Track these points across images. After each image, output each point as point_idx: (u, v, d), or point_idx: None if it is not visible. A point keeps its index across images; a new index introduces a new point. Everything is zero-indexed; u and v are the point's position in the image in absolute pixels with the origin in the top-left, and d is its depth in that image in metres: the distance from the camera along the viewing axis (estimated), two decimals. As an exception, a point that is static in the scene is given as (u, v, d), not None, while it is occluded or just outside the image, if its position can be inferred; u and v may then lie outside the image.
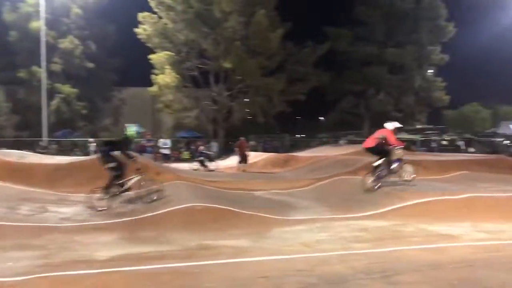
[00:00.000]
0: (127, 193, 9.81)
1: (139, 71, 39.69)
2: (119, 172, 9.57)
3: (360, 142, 32.86)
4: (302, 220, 8.53)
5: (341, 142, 36.57)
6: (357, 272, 5.22)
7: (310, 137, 47.36)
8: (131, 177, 9.82)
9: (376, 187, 10.53)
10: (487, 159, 19.24)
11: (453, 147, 34.20)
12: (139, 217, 8.41)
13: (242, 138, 22.24)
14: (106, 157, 9.67)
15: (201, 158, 21.72)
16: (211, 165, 21.44)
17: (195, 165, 21.82)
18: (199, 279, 5.11)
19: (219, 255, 6.15)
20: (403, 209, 8.80)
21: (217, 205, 8.76)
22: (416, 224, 7.97)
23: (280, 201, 10.60)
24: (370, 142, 11.01)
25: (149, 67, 35.26)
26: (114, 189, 9.54)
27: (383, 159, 10.71)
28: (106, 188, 9.44)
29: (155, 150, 26.99)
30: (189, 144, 33.48)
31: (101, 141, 11.32)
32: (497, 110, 52.39)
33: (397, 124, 11.02)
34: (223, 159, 26.19)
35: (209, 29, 33.69)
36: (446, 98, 42.63)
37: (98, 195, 9.39)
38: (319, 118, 55.95)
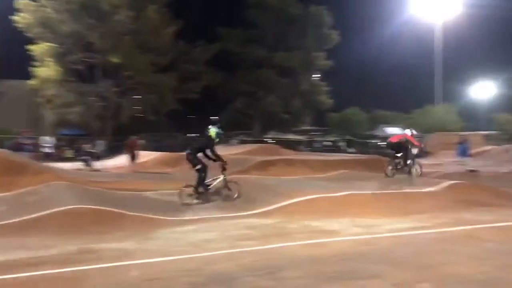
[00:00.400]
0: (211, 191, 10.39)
1: (17, 63, 36.48)
2: (203, 173, 10.22)
3: (251, 142, 33.85)
4: (190, 220, 8.48)
5: (233, 141, 37.04)
6: (243, 270, 5.30)
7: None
8: (217, 177, 10.48)
9: (393, 175, 13.80)
10: (365, 159, 20.82)
11: (335, 148, 36.44)
12: (16, 220, 7.73)
13: (133, 137, 21.53)
14: (194, 159, 10.30)
15: (86, 157, 20.62)
16: (97, 164, 20.45)
17: (79, 164, 20.65)
18: (80, 285, 4.83)
19: (101, 259, 5.86)
20: (289, 207, 9.14)
21: (100, 207, 8.36)
22: (300, 221, 8.32)
23: (169, 202, 10.41)
24: (395, 139, 14.54)
25: (29, 59, 32.63)
26: (201, 189, 10.19)
27: (401, 154, 13.80)
28: (196, 188, 10.15)
29: (35, 148, 25.01)
30: (73, 142, 31.55)
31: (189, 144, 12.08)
32: (374, 114, 56.87)
33: (414, 131, 14.50)
34: (110, 158, 25.07)
35: (96, 21, 32.04)
36: (330, 101, 45.26)
37: (188, 191, 10.10)
38: (212, 117, 56.00)
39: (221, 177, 10.46)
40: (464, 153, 19.62)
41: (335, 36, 43.18)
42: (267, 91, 42.86)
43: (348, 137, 40.06)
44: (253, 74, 41.76)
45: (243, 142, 35.59)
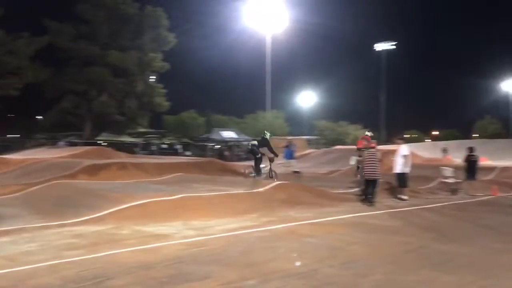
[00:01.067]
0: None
1: None
2: (260, 160, 15.17)
3: (82, 144, 31.89)
4: (6, 231, 7.58)
5: (61, 143, 34.46)
6: (67, 282, 4.94)
7: (25, 138, 42.95)
8: (266, 165, 15.52)
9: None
10: (201, 161, 21.18)
11: (172, 151, 36.39)
12: None
13: None
14: (256, 150, 15.19)
15: None
16: None
17: None
18: None
19: None
20: (120, 212, 8.79)
21: None
22: (132, 226, 8.07)
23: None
24: (361, 144, 15.23)
25: None
26: (257, 170, 15.14)
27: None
28: (255, 169, 15.26)
29: None
30: None
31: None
32: (210, 118, 58.34)
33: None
34: None
35: None
36: (167, 104, 45.06)
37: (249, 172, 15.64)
38: (37, 117, 51.31)
39: (269, 166, 15.52)
40: (290, 155, 21.23)
41: (172, 39, 43.15)
42: (99, 90, 40.86)
43: (184, 140, 40.34)
44: (84, 73, 39.49)
45: (73, 144, 33.29)
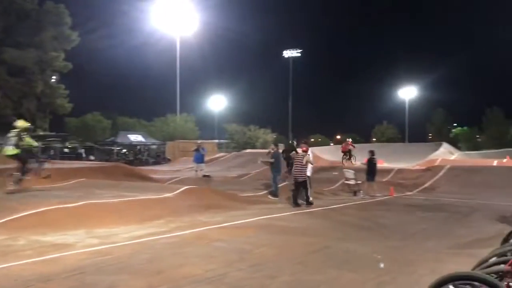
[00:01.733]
0: None
1: None
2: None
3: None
4: None
5: None
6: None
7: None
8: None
9: None
10: (105, 166, 20.32)
11: (74, 155, 34.52)
12: None
13: None
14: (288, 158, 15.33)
15: None
16: None
17: None
18: None
19: None
20: (15, 221, 8.12)
21: None
22: (29, 236, 7.50)
23: None
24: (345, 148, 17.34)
25: None
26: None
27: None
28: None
29: None
30: None
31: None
32: (116, 120, 56.29)
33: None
34: None
35: None
36: (69, 105, 42.74)
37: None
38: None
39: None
40: (199, 159, 21.12)
41: (75, 37, 41.04)
42: (-7, 90, 37.74)
43: (88, 143, 38.48)
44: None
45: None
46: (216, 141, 53.49)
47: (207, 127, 62.82)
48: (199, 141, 24.24)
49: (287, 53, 62.81)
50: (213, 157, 34.56)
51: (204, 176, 20.82)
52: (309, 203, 12.73)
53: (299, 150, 14.04)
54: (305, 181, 12.80)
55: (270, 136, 55.35)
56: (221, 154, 38.59)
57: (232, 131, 54.04)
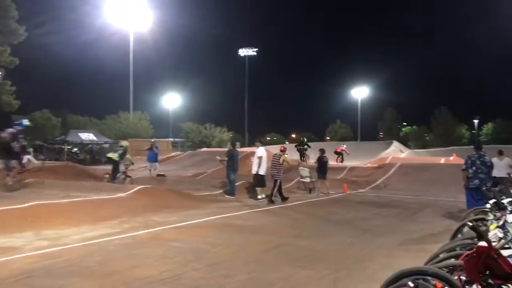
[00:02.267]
0: None
1: None
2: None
3: None
4: None
5: None
6: None
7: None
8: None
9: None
10: (56, 166, 19.63)
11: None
12: None
13: None
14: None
15: None
16: None
17: None
18: None
19: None
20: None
21: None
22: (-28, 240, 7.13)
23: None
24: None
25: None
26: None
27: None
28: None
29: None
30: None
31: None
32: (66, 119, 54.53)
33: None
34: None
35: None
36: (16, 102, 40.96)
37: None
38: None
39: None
40: (153, 158, 20.78)
41: (23, 32, 39.34)
42: None
43: (37, 142, 37.01)
44: None
45: None
46: (171, 139, 52.84)
47: (161, 126, 61.95)
48: (152, 140, 23.87)
49: (243, 52, 62.91)
50: (168, 156, 34.11)
51: (159, 175, 20.52)
52: (271, 201, 13.10)
53: (277, 150, 14.56)
54: (278, 180, 13.43)
55: (227, 135, 55.23)
56: (176, 153, 38.16)
57: (187, 130, 53.50)
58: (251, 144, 46.74)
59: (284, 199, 13.49)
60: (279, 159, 13.64)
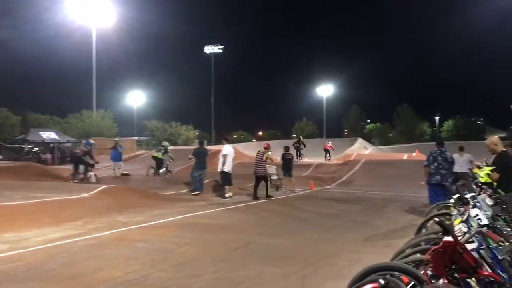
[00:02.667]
0: None
1: None
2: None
3: None
4: None
5: None
6: None
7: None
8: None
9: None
10: (15, 166, 19.00)
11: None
12: None
13: None
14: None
15: None
16: None
17: None
18: None
19: None
20: None
21: None
22: None
23: None
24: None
25: None
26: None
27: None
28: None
29: None
30: None
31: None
32: (26, 117, 52.84)
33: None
34: None
35: None
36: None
37: None
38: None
39: None
40: (117, 157, 20.41)
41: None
42: None
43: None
44: None
45: None
46: (136, 138, 51.99)
47: (126, 124, 60.91)
48: (116, 139, 23.41)
49: (209, 49, 62.52)
50: (132, 154, 33.55)
51: (123, 174, 20.17)
52: (268, 196, 13.81)
53: (265, 145, 14.80)
54: (265, 176, 14.04)
55: (193, 132, 54.74)
56: (141, 151, 37.53)
57: (152, 128, 52.70)
58: (218, 142, 46.56)
59: (256, 198, 13.56)
60: (262, 156, 13.96)
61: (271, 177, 16.97)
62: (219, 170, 13.77)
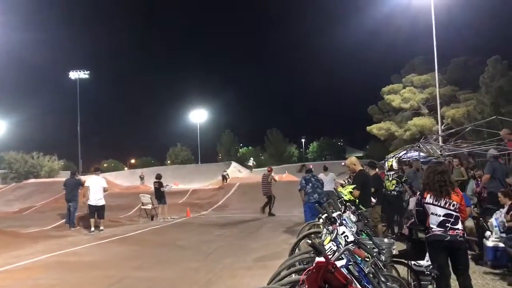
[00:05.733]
0: None
1: None
2: None
3: None
4: None
5: None
6: None
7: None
8: None
9: None
10: None
11: None
12: None
13: None
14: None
15: None
16: None
17: None
18: None
19: None
20: None
21: None
22: None
23: None
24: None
25: None
26: None
27: None
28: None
29: None
30: None
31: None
32: None
33: None
34: None
35: None
36: None
37: None
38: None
39: None
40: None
41: None
42: None
43: None
44: None
45: None
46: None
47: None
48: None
49: (74, 74, 59.21)
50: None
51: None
52: (271, 214, 15.82)
53: (269, 169, 17.55)
54: (270, 196, 16.19)
55: (57, 163, 50.98)
56: (-2, 186, 33.87)
57: (10, 160, 47.98)
58: (87, 171, 43.87)
59: (271, 214, 15.81)
60: (267, 178, 16.35)
61: (145, 206, 16.46)
62: (88, 202, 12.96)
